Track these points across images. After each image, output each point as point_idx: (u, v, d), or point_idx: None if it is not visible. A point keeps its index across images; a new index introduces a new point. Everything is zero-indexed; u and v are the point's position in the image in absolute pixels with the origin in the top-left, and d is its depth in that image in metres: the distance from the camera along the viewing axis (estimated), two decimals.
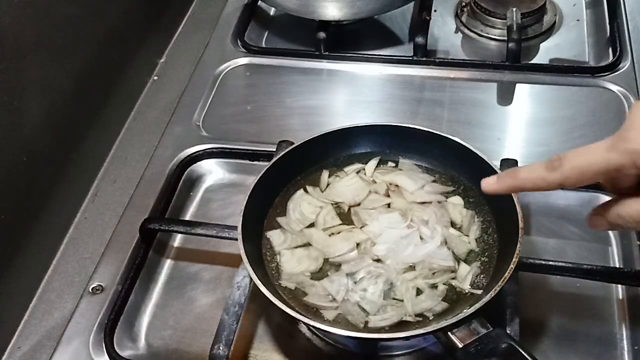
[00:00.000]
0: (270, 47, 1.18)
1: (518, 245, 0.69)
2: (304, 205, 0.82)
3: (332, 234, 0.79)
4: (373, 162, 0.86)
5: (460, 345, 0.63)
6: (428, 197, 0.81)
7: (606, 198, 0.86)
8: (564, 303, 0.78)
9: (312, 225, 0.80)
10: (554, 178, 0.55)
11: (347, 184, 0.84)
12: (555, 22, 1.17)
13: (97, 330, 0.78)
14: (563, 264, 0.75)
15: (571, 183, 0.54)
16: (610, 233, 0.85)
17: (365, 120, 0.86)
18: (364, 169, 0.86)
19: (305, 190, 0.84)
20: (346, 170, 0.86)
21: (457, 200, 0.81)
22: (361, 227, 0.79)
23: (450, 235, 0.77)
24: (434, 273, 0.74)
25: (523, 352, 0.62)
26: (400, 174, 0.84)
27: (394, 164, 0.86)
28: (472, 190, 0.82)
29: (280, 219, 0.81)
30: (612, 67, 1.05)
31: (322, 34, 1.11)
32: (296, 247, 0.78)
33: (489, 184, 0.62)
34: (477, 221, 0.79)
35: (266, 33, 1.22)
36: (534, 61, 1.11)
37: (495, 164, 0.80)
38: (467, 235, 0.77)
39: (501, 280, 0.66)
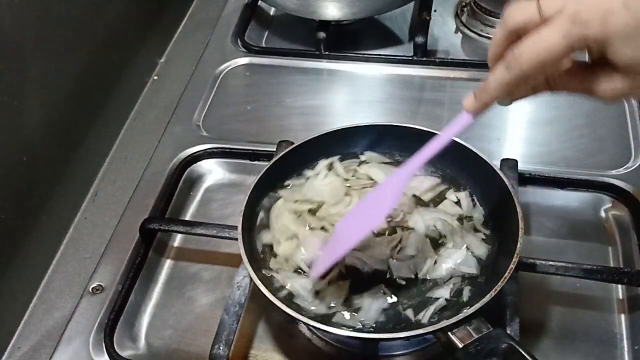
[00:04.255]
0: (270, 47, 1.18)
1: (518, 245, 0.69)
2: (284, 215, 0.80)
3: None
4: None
5: (460, 345, 0.63)
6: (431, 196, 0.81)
7: (607, 198, 0.87)
8: (564, 303, 0.78)
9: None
10: (515, 77, 0.55)
11: (323, 183, 0.83)
12: None
13: (97, 330, 0.78)
14: (563, 264, 0.75)
15: (534, 76, 0.54)
16: (611, 233, 0.85)
17: (365, 120, 0.86)
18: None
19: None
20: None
21: (462, 197, 0.81)
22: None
23: (470, 239, 0.76)
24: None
25: (523, 352, 0.62)
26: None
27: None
28: (472, 190, 0.82)
29: (265, 233, 0.79)
30: None
31: (322, 34, 1.11)
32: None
33: (470, 105, 0.61)
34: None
35: (266, 33, 1.23)
36: None
37: (495, 163, 0.80)
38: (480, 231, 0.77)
39: (501, 280, 0.66)
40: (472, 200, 0.80)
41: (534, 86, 0.59)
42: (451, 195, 0.81)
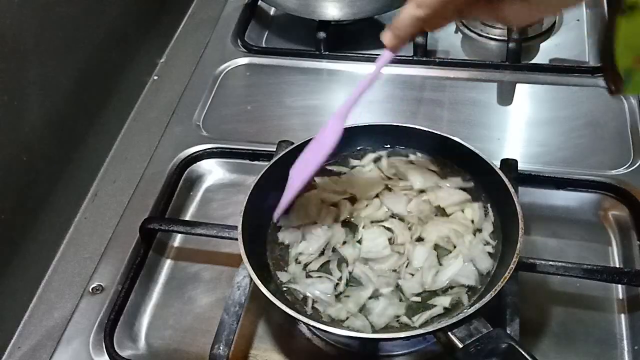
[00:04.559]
0: (270, 47, 1.18)
1: (518, 245, 0.69)
2: (311, 204, 0.81)
3: None
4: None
5: (460, 345, 0.63)
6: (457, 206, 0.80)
7: (607, 198, 0.87)
8: (564, 303, 0.78)
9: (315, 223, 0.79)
10: (426, 13, 0.60)
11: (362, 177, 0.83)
12: (555, 22, 1.17)
13: (97, 330, 0.78)
14: (563, 264, 0.75)
15: (443, 9, 0.60)
16: (611, 233, 0.85)
17: (365, 120, 0.86)
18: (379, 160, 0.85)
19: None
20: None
21: (475, 208, 0.80)
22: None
23: (476, 252, 0.75)
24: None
25: (523, 352, 0.62)
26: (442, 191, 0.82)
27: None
28: (484, 200, 0.81)
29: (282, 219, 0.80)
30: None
31: (322, 34, 1.11)
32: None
33: (389, 41, 0.66)
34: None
35: (266, 33, 1.23)
36: (534, 61, 1.11)
37: (495, 163, 0.80)
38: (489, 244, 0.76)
39: (501, 280, 0.66)
40: (485, 210, 0.79)
41: (446, 16, 0.63)
42: (466, 208, 0.80)
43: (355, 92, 0.70)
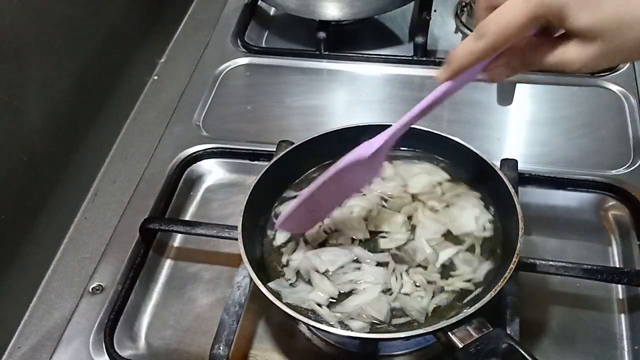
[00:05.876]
0: (270, 47, 1.18)
1: (518, 245, 0.69)
2: None
3: None
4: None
5: (460, 345, 0.63)
6: None
7: (607, 198, 0.87)
8: (564, 303, 0.78)
9: None
10: (483, 46, 0.56)
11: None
12: None
13: (97, 330, 0.78)
14: (563, 264, 0.75)
15: (500, 46, 0.56)
16: (611, 233, 0.85)
17: (365, 120, 0.86)
18: None
19: None
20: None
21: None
22: None
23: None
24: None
25: (523, 352, 0.62)
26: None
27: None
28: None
29: None
30: (612, 67, 1.05)
31: (322, 34, 1.11)
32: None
33: (439, 74, 0.65)
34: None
35: (266, 33, 1.23)
36: None
37: (495, 163, 0.80)
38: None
39: (501, 280, 0.66)
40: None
41: (513, 66, 0.59)
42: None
43: (402, 121, 0.70)
